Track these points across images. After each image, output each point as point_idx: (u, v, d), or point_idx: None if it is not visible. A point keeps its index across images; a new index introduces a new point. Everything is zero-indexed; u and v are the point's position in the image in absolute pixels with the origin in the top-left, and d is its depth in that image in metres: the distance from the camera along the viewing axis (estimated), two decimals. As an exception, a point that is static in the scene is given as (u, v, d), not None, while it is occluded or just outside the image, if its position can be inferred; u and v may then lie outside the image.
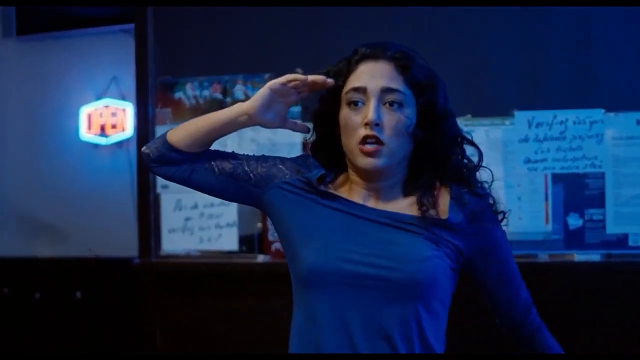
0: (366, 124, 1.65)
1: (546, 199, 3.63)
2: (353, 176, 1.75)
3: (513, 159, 3.64)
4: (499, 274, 1.77)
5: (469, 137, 1.77)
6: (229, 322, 3.87)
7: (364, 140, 1.66)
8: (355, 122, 1.67)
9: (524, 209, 3.61)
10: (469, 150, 1.78)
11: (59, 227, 5.12)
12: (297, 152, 3.76)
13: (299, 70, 3.79)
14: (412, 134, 1.69)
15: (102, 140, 5.02)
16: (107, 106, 4.98)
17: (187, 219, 3.95)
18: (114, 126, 4.99)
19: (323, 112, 1.76)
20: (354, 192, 1.74)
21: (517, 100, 3.70)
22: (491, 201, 1.75)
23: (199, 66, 4.01)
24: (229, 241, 3.93)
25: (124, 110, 4.97)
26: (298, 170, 1.78)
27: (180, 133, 1.79)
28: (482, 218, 1.72)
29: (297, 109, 3.80)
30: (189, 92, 4.00)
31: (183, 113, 3.99)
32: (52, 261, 5.04)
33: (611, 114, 3.62)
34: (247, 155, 1.84)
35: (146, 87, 4.02)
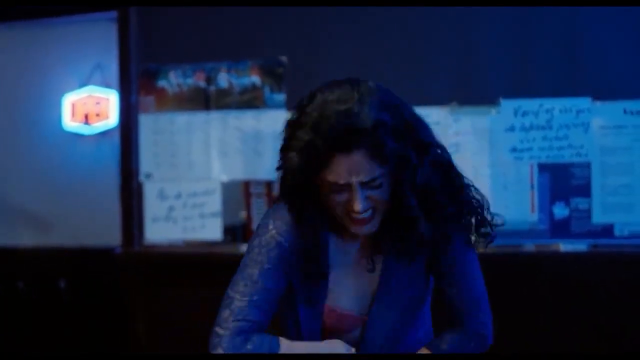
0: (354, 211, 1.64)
1: (532, 188, 3.62)
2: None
3: (499, 147, 3.61)
4: None
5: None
6: (213, 313, 3.78)
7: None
8: (340, 200, 1.64)
9: (509, 198, 3.59)
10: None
11: (42, 216, 5.09)
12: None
13: (283, 60, 3.78)
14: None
15: (86, 130, 4.96)
16: (90, 95, 4.93)
17: (170, 208, 3.90)
18: (97, 115, 4.94)
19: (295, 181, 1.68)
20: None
21: (503, 88, 3.69)
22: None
23: (183, 53, 3.98)
24: (212, 231, 3.90)
25: (107, 99, 4.91)
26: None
27: None
28: None
29: (281, 97, 3.78)
30: (172, 79, 3.95)
31: (166, 101, 3.95)
32: (36, 250, 5.00)
33: (598, 103, 3.61)
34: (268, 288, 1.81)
35: (129, 75, 4.00)
